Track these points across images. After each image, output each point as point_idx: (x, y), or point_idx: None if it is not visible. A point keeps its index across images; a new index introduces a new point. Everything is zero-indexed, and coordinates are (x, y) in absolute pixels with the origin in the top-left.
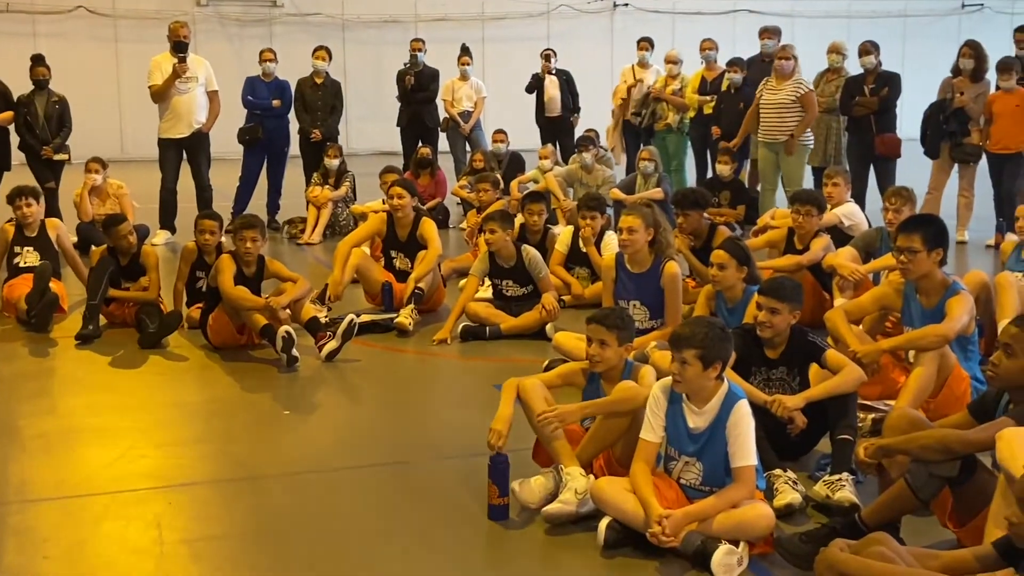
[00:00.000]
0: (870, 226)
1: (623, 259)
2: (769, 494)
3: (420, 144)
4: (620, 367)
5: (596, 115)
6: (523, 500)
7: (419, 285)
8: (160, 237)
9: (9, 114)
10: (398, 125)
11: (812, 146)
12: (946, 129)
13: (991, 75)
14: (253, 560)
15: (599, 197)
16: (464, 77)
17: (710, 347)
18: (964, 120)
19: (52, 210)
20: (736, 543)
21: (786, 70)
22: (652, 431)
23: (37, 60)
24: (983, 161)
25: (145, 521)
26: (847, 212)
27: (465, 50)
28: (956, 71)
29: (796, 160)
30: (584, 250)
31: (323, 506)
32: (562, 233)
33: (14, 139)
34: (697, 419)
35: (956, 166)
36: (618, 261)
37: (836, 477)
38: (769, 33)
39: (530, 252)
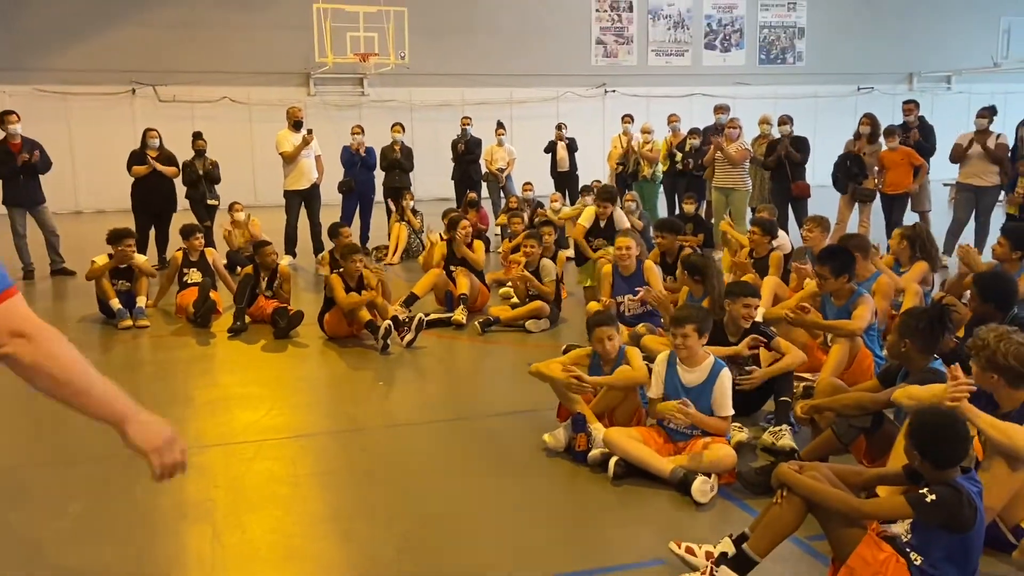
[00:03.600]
0: (792, 247)
1: (617, 267)
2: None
3: (468, 191)
4: (616, 352)
5: (593, 169)
6: (552, 445)
7: (464, 292)
8: (285, 260)
9: (175, 170)
10: (452, 179)
11: (751, 190)
12: (850, 171)
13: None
14: (363, 488)
15: (611, 189)
16: (500, 144)
17: (701, 322)
18: (863, 166)
19: (208, 241)
20: (709, 475)
21: (734, 136)
22: (655, 390)
23: (197, 136)
24: (877, 200)
25: (284, 460)
26: (780, 238)
27: (500, 125)
28: (857, 135)
29: (740, 200)
30: (602, 225)
31: (410, 449)
32: (585, 211)
33: (179, 190)
34: (689, 376)
35: (857, 205)
36: (614, 269)
37: (779, 428)
38: (722, 109)
39: (546, 261)
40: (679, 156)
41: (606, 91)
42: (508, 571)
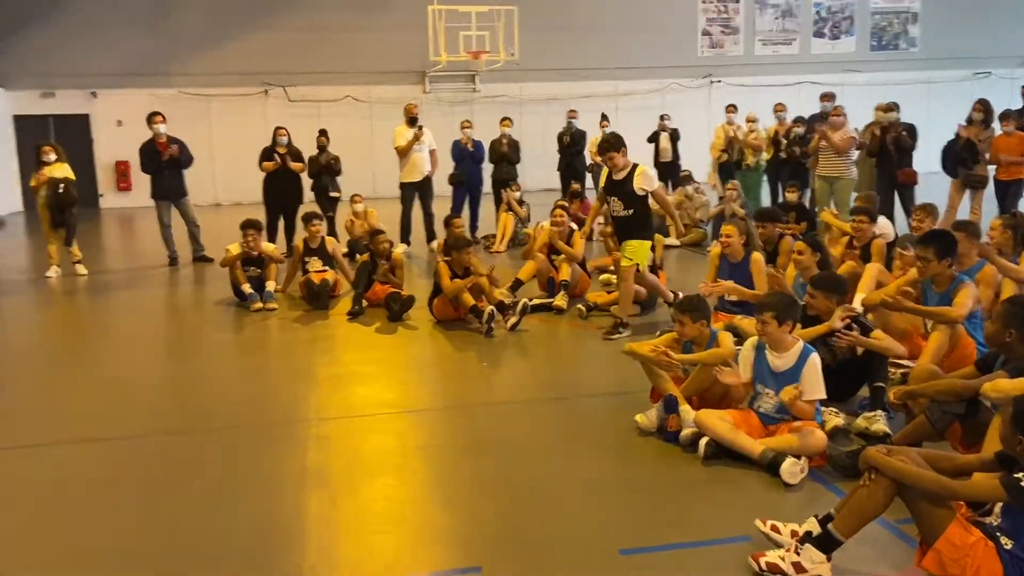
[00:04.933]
0: (896, 234)
1: (725, 255)
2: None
3: (572, 182)
4: (707, 335)
5: (696, 159)
6: (644, 426)
7: (565, 278)
8: (400, 248)
9: (301, 165)
10: (558, 170)
11: (855, 179)
12: (960, 156)
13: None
14: (468, 460)
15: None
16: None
17: (782, 311)
18: (974, 152)
19: (330, 231)
20: (799, 457)
21: (838, 124)
22: (742, 374)
23: (321, 133)
24: (990, 187)
25: (394, 433)
26: (881, 224)
27: (604, 117)
28: (969, 120)
29: (845, 189)
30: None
31: (510, 425)
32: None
33: (306, 183)
34: (778, 361)
35: (968, 191)
36: (722, 256)
37: (873, 413)
38: (828, 97)
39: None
40: (784, 144)
41: (712, 81)
42: (599, 541)
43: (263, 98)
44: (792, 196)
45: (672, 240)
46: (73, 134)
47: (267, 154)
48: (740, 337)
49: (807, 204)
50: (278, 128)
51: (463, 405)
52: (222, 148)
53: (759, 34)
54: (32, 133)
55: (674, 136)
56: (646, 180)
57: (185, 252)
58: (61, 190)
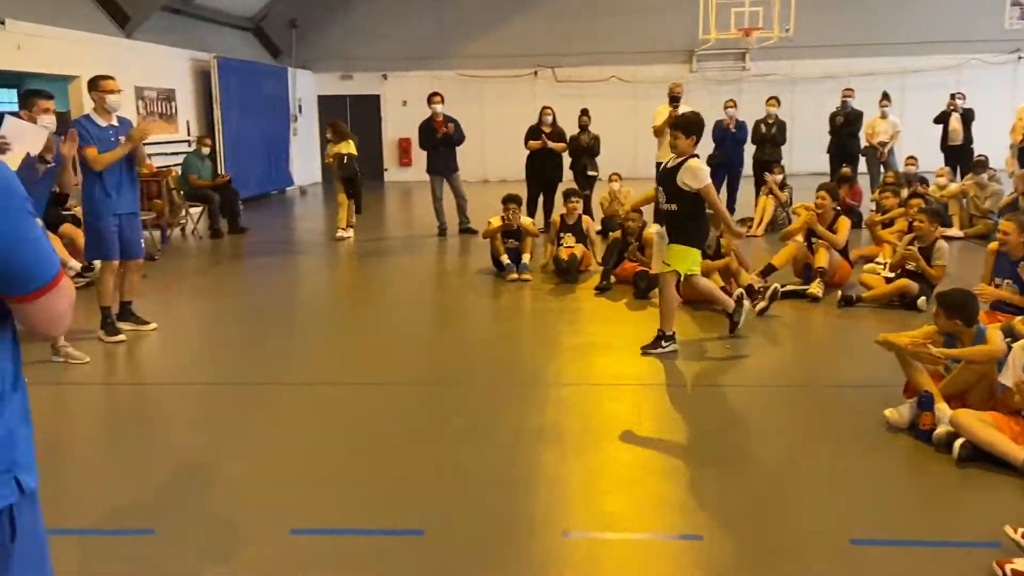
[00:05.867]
0: None
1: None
2: None
3: (843, 165)
4: (973, 332)
5: (993, 145)
6: (895, 421)
7: (822, 265)
8: (652, 228)
9: (563, 145)
10: (828, 152)
11: None
12: None
13: None
14: (698, 436)
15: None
16: (883, 116)
17: None
18: None
19: (586, 209)
20: None
21: None
22: (1011, 376)
23: (583, 112)
24: None
25: (629, 403)
26: None
27: (885, 95)
28: None
29: None
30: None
31: (748, 408)
32: None
33: (566, 161)
34: None
35: None
36: (999, 251)
37: None
38: None
39: (941, 243)
40: None
41: (1020, 57)
42: (828, 527)
43: (532, 79)
44: None
45: (955, 231)
46: (366, 113)
47: (532, 133)
48: (1013, 337)
49: None
50: (544, 108)
51: (701, 384)
52: (492, 127)
53: None
54: (332, 111)
55: (967, 117)
56: (690, 175)
57: (453, 224)
58: (344, 164)
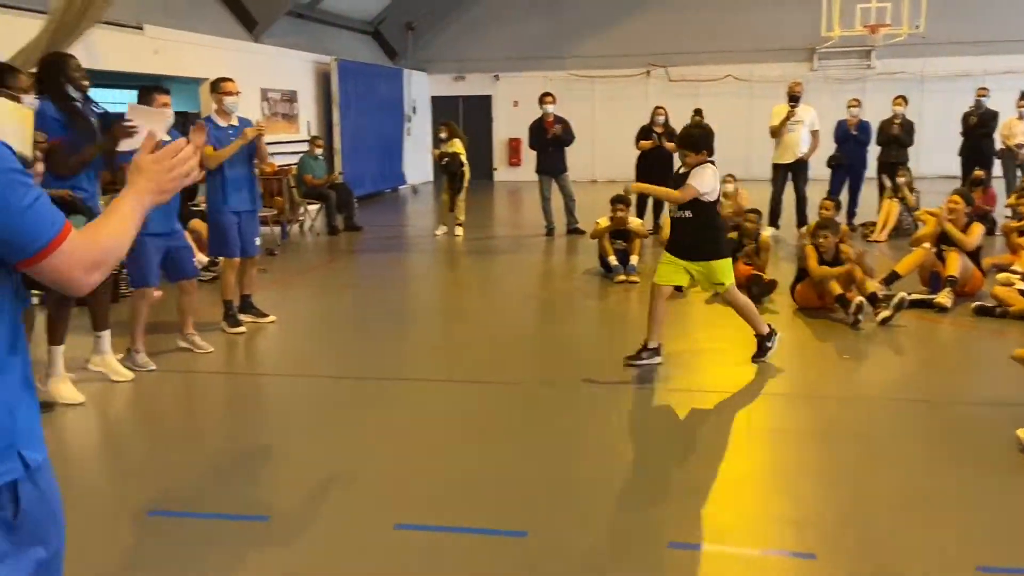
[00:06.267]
0: None
1: None
2: None
3: (976, 169)
4: None
5: None
6: None
7: (952, 273)
8: (767, 231)
9: (674, 145)
10: (959, 155)
11: None
12: None
13: None
14: (812, 450)
15: None
16: (1021, 117)
17: None
18: None
19: None
20: None
21: None
22: None
23: (696, 112)
24: None
25: (736, 412)
26: None
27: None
28: None
29: None
30: None
31: (866, 421)
32: None
33: (677, 162)
34: None
35: None
36: None
37: None
38: None
39: None
40: None
41: None
42: (950, 551)
43: (645, 79)
44: None
45: None
46: (477, 113)
47: (644, 133)
48: None
49: None
50: (656, 107)
51: (815, 395)
52: (603, 127)
53: None
54: (445, 112)
55: None
56: (696, 178)
57: (561, 224)
58: (445, 163)
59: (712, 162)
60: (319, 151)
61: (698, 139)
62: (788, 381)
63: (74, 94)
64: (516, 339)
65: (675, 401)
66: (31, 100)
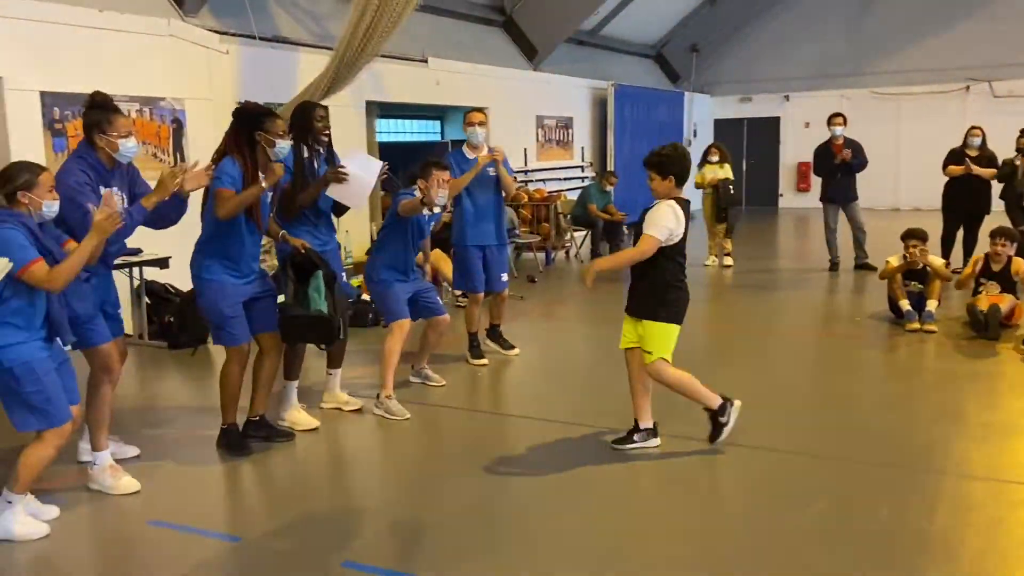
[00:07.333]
0: None
1: None
2: None
3: None
4: None
5: None
6: None
7: None
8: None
9: (992, 171)
10: None
11: None
12: None
13: None
14: None
15: None
16: None
17: None
18: None
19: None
20: None
21: None
22: None
23: (1022, 133)
24: None
25: None
26: None
27: None
28: None
29: None
30: None
31: None
32: None
33: (995, 190)
34: None
35: None
36: None
37: None
38: None
39: None
40: None
41: None
42: None
43: (963, 95)
44: None
45: None
46: (763, 136)
47: (953, 157)
48: None
49: None
50: (972, 128)
51: None
52: (909, 149)
53: None
54: (728, 134)
55: None
56: (652, 225)
57: (848, 257)
58: (720, 190)
59: (677, 198)
60: (610, 188)
61: (666, 159)
62: None
63: (315, 144)
64: (777, 394)
65: (970, 493)
66: (284, 145)
